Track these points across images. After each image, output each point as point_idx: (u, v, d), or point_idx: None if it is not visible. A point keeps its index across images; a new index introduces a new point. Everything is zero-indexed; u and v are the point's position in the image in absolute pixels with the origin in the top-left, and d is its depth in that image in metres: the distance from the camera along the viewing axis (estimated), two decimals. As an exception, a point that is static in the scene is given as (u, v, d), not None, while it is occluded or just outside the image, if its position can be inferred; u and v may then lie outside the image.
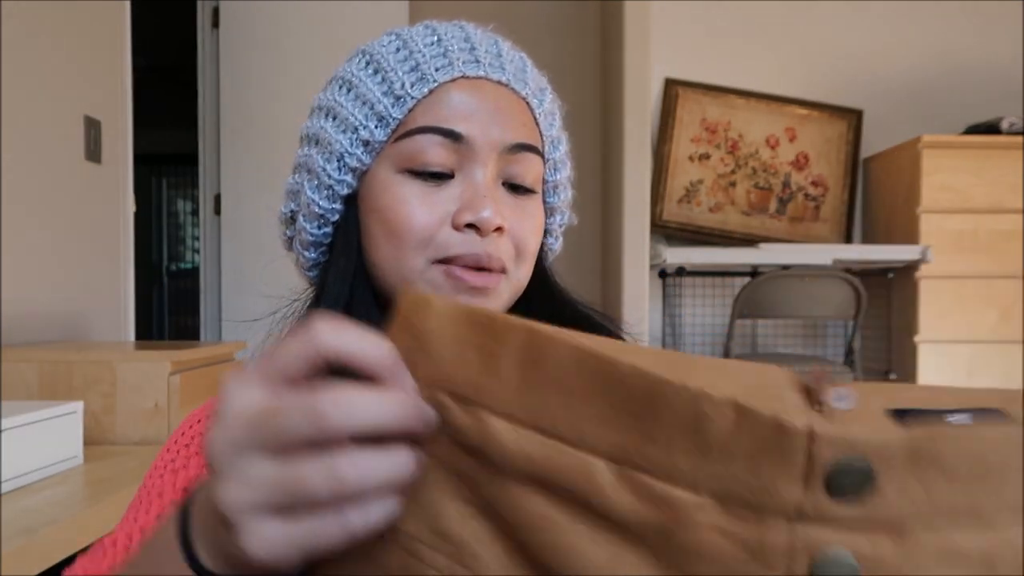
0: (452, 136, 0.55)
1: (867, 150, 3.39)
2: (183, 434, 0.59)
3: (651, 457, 0.28)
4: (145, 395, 1.42)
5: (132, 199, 2.28)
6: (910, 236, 2.96)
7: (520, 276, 0.58)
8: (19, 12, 1.79)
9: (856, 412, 0.27)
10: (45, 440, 1.19)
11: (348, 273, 0.58)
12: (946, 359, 2.91)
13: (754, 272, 3.09)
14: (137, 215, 2.33)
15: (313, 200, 0.60)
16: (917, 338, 2.91)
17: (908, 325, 2.98)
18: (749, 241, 3.25)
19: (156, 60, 4.22)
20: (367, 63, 0.59)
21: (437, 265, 0.55)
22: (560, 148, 0.63)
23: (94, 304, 2.11)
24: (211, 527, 0.33)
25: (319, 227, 0.61)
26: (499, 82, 0.57)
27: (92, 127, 2.10)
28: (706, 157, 3.36)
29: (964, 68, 3.36)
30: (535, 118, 0.59)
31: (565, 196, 0.65)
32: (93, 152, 2.11)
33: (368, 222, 0.58)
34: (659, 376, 0.27)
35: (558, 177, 0.63)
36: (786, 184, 3.35)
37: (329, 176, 0.59)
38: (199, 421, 0.60)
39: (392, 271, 0.56)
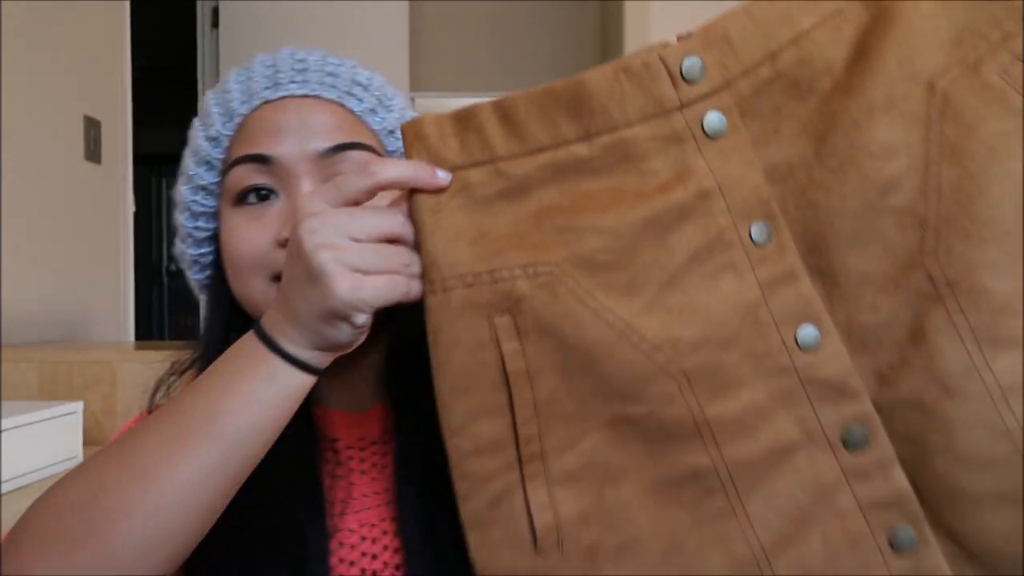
0: (260, 160, 0.57)
1: (867, 150, 3.38)
2: None
3: (597, 123, 0.43)
4: (145, 395, 1.41)
5: (132, 199, 2.28)
6: (910, 236, 2.96)
7: None
8: (19, 12, 1.79)
9: (693, 38, 0.45)
10: (45, 440, 1.19)
11: (222, 310, 0.61)
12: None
13: (754, 272, 3.08)
14: (137, 215, 2.34)
15: (182, 249, 0.64)
16: (917, 338, 2.90)
17: (908, 325, 2.97)
18: (749, 241, 3.25)
19: (156, 60, 4.21)
20: (201, 111, 0.63)
21: (275, 283, 0.56)
22: None
23: (94, 304, 2.11)
24: (294, 318, 0.45)
25: (200, 271, 0.64)
26: (304, 96, 0.59)
27: (92, 127, 2.10)
28: (706, 157, 3.36)
29: (964, 68, 3.36)
30: (357, 117, 0.60)
31: None
32: (93, 152, 2.11)
33: (223, 258, 0.60)
34: (577, 78, 0.44)
35: None
36: (786, 184, 3.35)
37: (183, 225, 0.63)
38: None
39: (244, 299, 0.59)
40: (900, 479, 0.40)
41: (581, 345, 0.42)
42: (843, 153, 0.41)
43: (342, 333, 0.45)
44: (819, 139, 0.42)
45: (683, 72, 0.43)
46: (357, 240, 0.43)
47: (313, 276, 0.43)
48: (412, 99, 3.74)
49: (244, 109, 0.59)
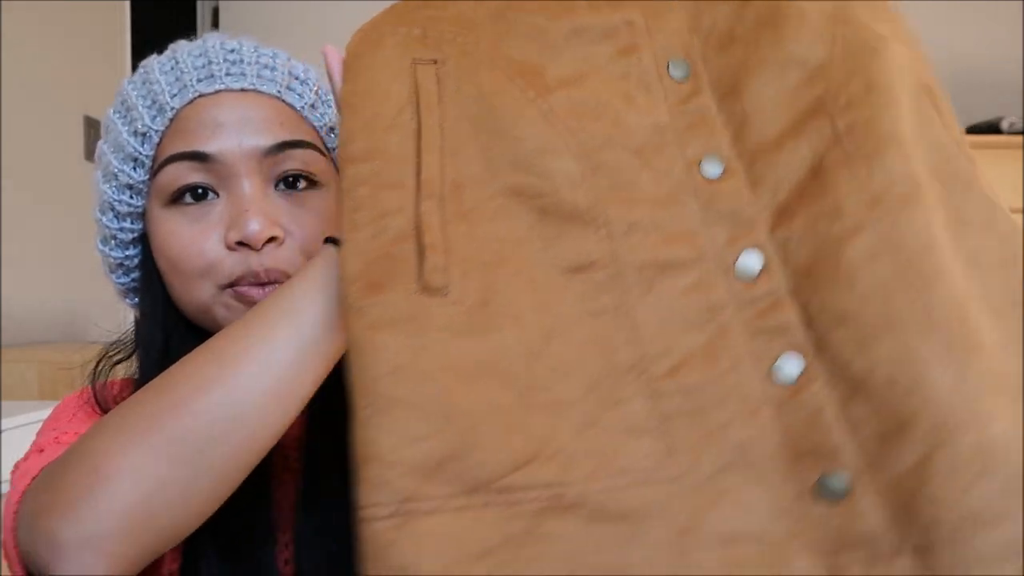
0: (200, 158, 0.53)
1: (867, 150, 3.38)
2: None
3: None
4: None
5: (132, 199, 2.28)
6: (910, 236, 2.96)
7: None
8: (19, 12, 1.79)
9: None
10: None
11: (158, 313, 0.57)
12: (946, 359, 2.91)
13: (754, 272, 3.08)
14: (137, 215, 2.33)
15: (104, 252, 0.59)
16: (917, 338, 2.91)
17: (908, 325, 2.97)
18: (749, 241, 3.25)
19: (156, 60, 4.21)
20: (120, 104, 0.58)
21: (226, 289, 0.54)
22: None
23: (94, 304, 2.11)
24: None
25: (125, 274, 0.60)
26: (242, 89, 0.55)
27: (92, 127, 2.10)
28: (706, 157, 3.36)
29: (964, 68, 3.36)
30: (298, 112, 0.57)
31: None
32: (93, 152, 2.11)
33: (156, 259, 0.56)
34: None
35: None
36: (786, 184, 3.35)
37: (107, 227, 0.58)
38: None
39: (187, 303, 0.55)
40: (790, 311, 0.39)
41: (495, 104, 0.43)
42: (762, 11, 0.45)
43: None
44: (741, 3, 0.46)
45: None
46: None
47: None
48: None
49: (176, 103, 0.54)
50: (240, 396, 0.41)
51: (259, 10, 3.11)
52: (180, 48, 0.58)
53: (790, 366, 0.38)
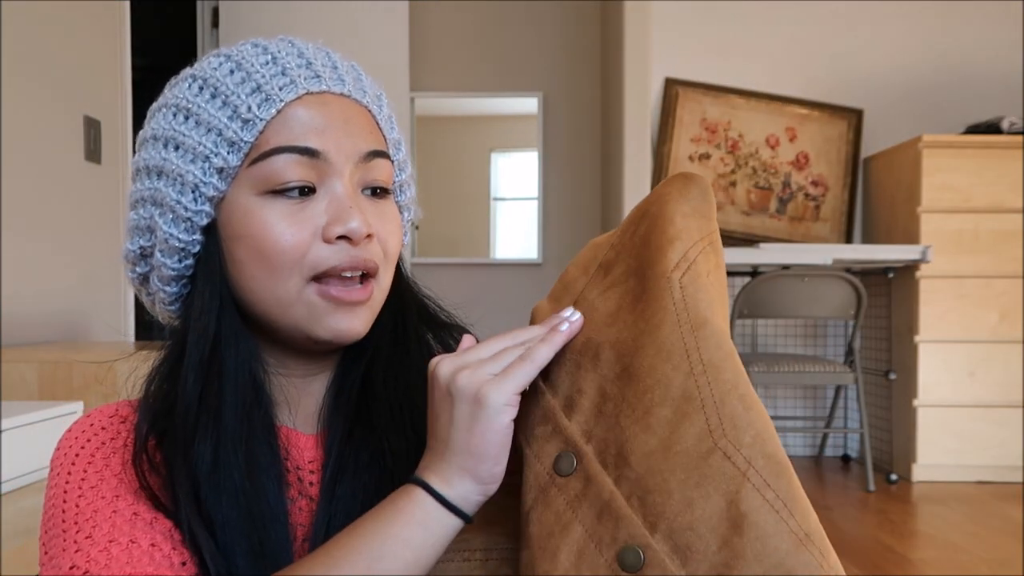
0: (309, 153, 0.56)
1: (867, 150, 3.38)
2: (78, 452, 0.57)
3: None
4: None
5: (132, 199, 2.27)
6: (910, 236, 2.96)
7: (387, 279, 0.60)
8: (19, 12, 1.79)
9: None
10: (45, 440, 1.19)
11: (214, 304, 0.57)
12: (946, 359, 2.91)
13: (754, 272, 3.09)
14: (137, 215, 2.33)
15: (171, 234, 0.58)
16: (917, 338, 2.91)
17: (908, 325, 2.98)
18: (749, 241, 3.25)
19: (156, 60, 4.21)
20: (201, 88, 0.58)
21: (312, 284, 0.56)
22: (402, 149, 0.64)
23: (94, 304, 2.11)
24: (447, 453, 0.49)
25: (180, 260, 0.59)
26: (341, 94, 0.58)
27: (92, 127, 2.10)
28: (706, 157, 3.36)
29: (964, 68, 3.36)
30: (377, 124, 0.61)
31: (410, 193, 0.67)
32: (93, 152, 2.11)
33: (233, 249, 0.57)
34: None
35: (403, 176, 0.65)
36: (786, 184, 3.35)
37: (186, 208, 0.57)
38: (84, 434, 0.58)
39: (266, 296, 0.56)
40: None
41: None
42: (624, 379, 0.48)
43: (491, 446, 0.49)
44: (618, 371, 0.49)
45: None
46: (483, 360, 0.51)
47: (458, 397, 0.49)
48: (412, 99, 3.74)
49: (285, 95, 0.56)
50: None
51: (259, 10, 3.11)
52: (267, 44, 0.59)
53: None
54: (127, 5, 2.25)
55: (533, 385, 0.51)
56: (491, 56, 4.17)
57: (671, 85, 3.37)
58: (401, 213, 0.65)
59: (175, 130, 0.58)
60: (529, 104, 4.30)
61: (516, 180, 6.98)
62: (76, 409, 1.26)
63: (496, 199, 7.19)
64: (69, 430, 0.59)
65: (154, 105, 0.61)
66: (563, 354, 0.52)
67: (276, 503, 0.56)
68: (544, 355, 0.50)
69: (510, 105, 5.88)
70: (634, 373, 0.47)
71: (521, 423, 0.51)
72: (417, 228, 4.16)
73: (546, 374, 0.52)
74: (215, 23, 3.14)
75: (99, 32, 2.14)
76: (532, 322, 0.56)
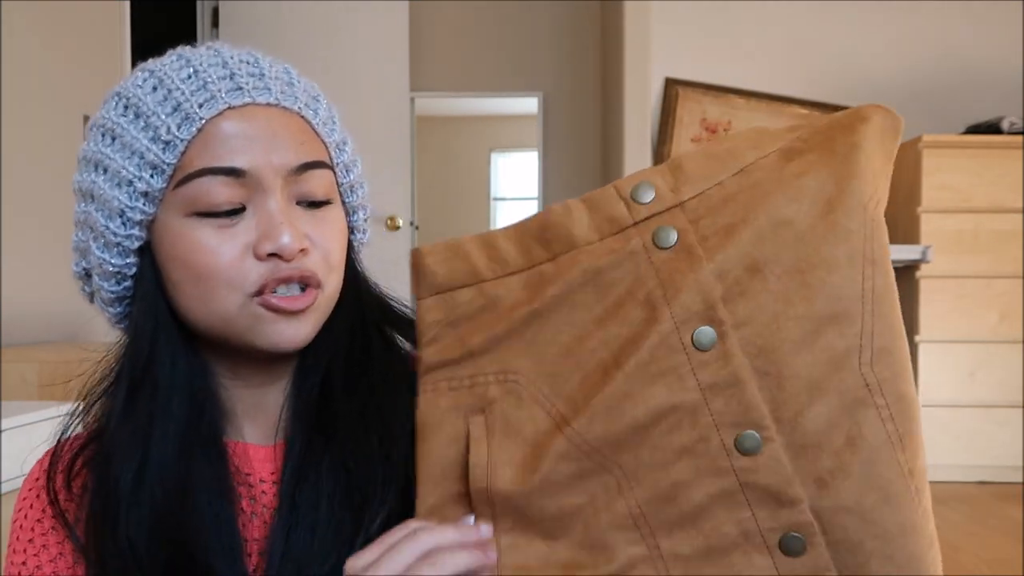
0: (234, 173, 0.54)
1: (867, 150, 3.38)
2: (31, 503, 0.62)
3: (561, 244, 0.51)
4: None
5: (132, 199, 2.28)
6: (910, 236, 2.96)
7: (333, 285, 0.59)
8: (19, 12, 1.79)
9: (647, 170, 0.52)
10: (45, 440, 1.19)
11: (148, 325, 0.57)
12: (946, 359, 2.91)
13: (754, 272, 3.08)
14: (137, 215, 2.33)
15: (104, 259, 0.58)
16: (917, 338, 2.91)
17: (908, 325, 2.96)
18: (749, 241, 3.25)
19: (156, 60, 4.21)
20: (125, 108, 0.57)
21: (254, 298, 0.55)
22: (347, 149, 0.62)
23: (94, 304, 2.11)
24: None
25: (117, 283, 0.59)
26: (268, 104, 0.56)
27: (92, 127, 2.10)
28: (706, 157, 3.36)
29: (964, 68, 3.36)
30: (314, 129, 0.58)
31: (363, 192, 0.64)
32: (93, 152, 2.11)
33: (169, 270, 0.56)
34: (542, 211, 0.52)
35: (352, 177, 0.62)
36: (786, 184, 3.35)
37: (115, 234, 0.57)
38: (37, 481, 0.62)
39: (207, 313, 0.56)
40: None
41: (536, 442, 0.48)
42: (788, 263, 0.47)
43: None
44: (767, 249, 0.48)
45: (633, 194, 0.50)
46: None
47: None
48: (412, 99, 3.74)
49: (204, 112, 0.54)
50: None
51: (259, 10, 3.11)
52: (191, 56, 0.57)
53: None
54: (127, 5, 2.25)
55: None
56: (491, 56, 4.17)
57: (671, 85, 3.37)
58: (355, 214, 0.63)
59: (102, 152, 0.57)
60: (529, 104, 4.30)
61: (516, 180, 6.99)
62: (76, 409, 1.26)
63: (496, 199, 7.21)
64: (21, 491, 0.63)
65: (91, 120, 0.60)
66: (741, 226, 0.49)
67: (221, 519, 0.55)
68: (460, 565, 0.47)
69: (510, 105, 5.89)
70: (807, 269, 0.47)
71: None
72: (417, 228, 4.16)
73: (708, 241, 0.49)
74: (215, 23, 3.14)
75: (99, 32, 2.14)
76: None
